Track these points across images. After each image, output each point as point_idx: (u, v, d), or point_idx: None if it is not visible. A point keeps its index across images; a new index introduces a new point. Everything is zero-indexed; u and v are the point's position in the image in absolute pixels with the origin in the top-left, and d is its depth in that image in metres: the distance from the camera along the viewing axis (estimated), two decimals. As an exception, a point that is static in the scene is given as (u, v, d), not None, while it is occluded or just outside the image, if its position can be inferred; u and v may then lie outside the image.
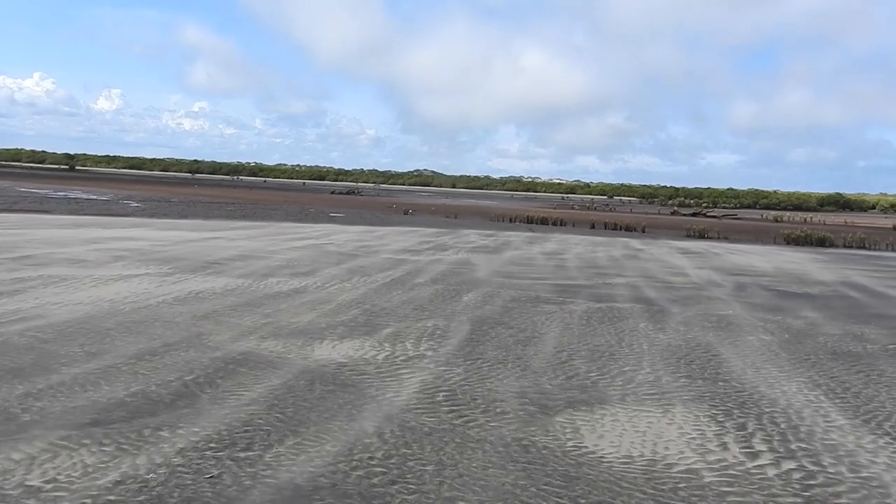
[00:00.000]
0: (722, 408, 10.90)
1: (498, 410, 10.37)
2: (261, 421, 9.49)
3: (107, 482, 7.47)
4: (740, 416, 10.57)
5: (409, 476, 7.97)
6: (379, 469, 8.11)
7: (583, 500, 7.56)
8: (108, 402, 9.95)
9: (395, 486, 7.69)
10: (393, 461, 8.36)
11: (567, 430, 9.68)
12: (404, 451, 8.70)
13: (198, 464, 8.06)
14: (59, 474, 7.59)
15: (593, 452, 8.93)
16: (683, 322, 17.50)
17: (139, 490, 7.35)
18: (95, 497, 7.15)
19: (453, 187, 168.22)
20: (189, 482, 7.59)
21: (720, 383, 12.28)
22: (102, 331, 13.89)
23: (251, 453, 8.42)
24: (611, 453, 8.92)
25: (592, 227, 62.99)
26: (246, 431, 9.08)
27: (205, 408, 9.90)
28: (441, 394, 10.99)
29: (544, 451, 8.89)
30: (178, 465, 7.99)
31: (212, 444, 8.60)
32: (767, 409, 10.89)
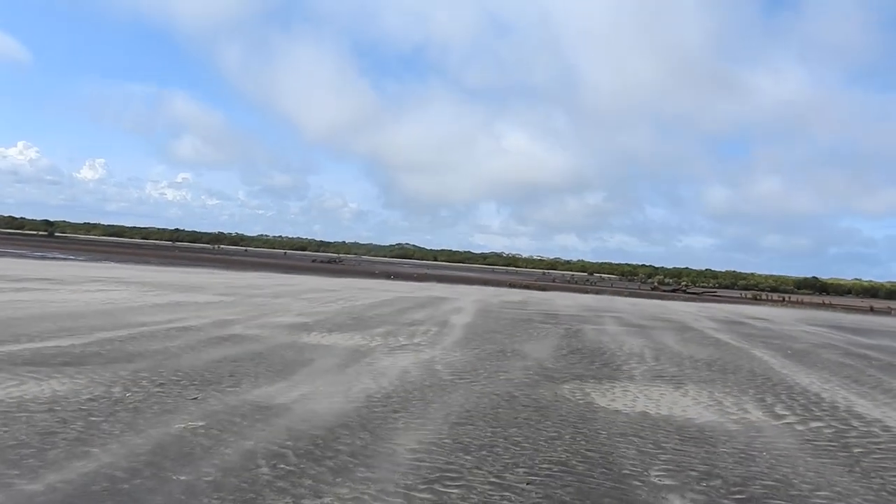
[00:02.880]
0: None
1: (502, 378, 9.72)
2: (247, 371, 8.77)
3: (79, 399, 6.72)
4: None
5: (411, 408, 7.29)
6: (379, 404, 7.42)
7: (603, 432, 6.92)
8: (81, 353, 9.18)
9: (398, 414, 7.00)
10: (394, 400, 7.67)
11: (576, 393, 9.05)
12: (402, 391, 8.02)
13: (179, 391, 7.32)
14: (24, 395, 6.82)
15: (606, 408, 8.31)
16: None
17: (115, 403, 6.61)
18: (72, 410, 6.40)
19: (435, 260, 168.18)
20: (169, 401, 6.85)
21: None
22: (78, 315, 13.12)
23: (238, 388, 7.70)
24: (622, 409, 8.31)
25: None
26: (231, 377, 8.35)
27: (185, 360, 9.15)
28: (438, 365, 10.33)
29: (556, 403, 8.25)
30: (158, 392, 7.25)
31: (195, 382, 7.87)
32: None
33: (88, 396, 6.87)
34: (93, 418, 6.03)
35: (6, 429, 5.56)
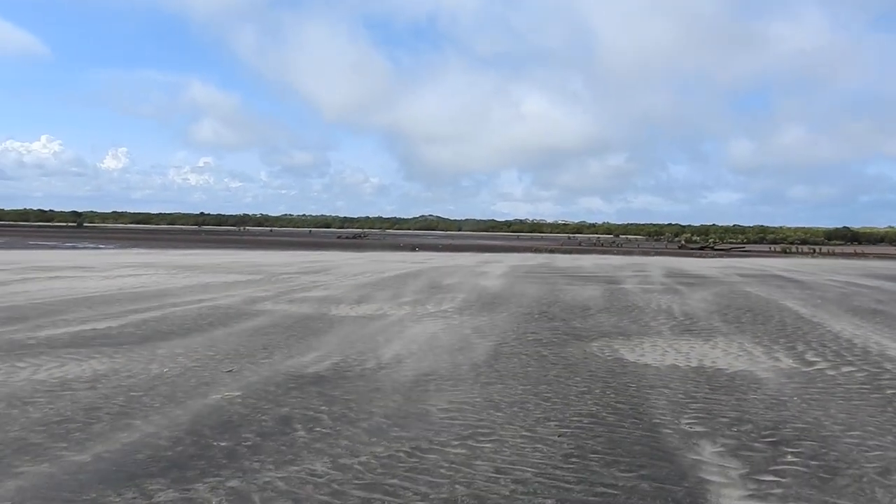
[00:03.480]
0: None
1: (531, 339, 9.79)
2: (279, 343, 8.94)
3: (119, 377, 6.92)
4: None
5: (441, 371, 7.40)
6: (410, 368, 7.54)
7: (632, 385, 6.96)
8: (118, 334, 9.43)
9: (429, 377, 7.11)
10: (425, 364, 7.78)
11: (605, 350, 9.09)
12: (431, 356, 8.13)
13: (214, 365, 7.50)
14: (66, 374, 7.04)
15: (635, 363, 8.34)
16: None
17: (153, 379, 6.80)
18: (112, 387, 6.61)
19: (459, 230, 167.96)
20: (206, 374, 7.04)
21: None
22: (111, 299, 13.42)
23: (271, 359, 7.87)
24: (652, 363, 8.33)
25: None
26: (264, 349, 8.52)
27: (218, 336, 9.36)
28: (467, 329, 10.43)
29: (585, 360, 8.30)
30: (194, 366, 7.43)
31: (229, 356, 8.05)
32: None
33: (127, 374, 7.07)
34: (133, 393, 6.22)
35: (52, 406, 5.77)
